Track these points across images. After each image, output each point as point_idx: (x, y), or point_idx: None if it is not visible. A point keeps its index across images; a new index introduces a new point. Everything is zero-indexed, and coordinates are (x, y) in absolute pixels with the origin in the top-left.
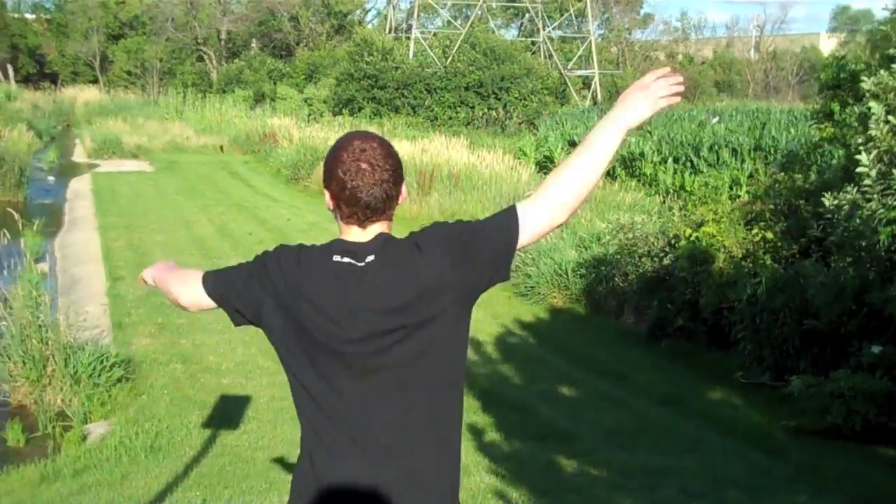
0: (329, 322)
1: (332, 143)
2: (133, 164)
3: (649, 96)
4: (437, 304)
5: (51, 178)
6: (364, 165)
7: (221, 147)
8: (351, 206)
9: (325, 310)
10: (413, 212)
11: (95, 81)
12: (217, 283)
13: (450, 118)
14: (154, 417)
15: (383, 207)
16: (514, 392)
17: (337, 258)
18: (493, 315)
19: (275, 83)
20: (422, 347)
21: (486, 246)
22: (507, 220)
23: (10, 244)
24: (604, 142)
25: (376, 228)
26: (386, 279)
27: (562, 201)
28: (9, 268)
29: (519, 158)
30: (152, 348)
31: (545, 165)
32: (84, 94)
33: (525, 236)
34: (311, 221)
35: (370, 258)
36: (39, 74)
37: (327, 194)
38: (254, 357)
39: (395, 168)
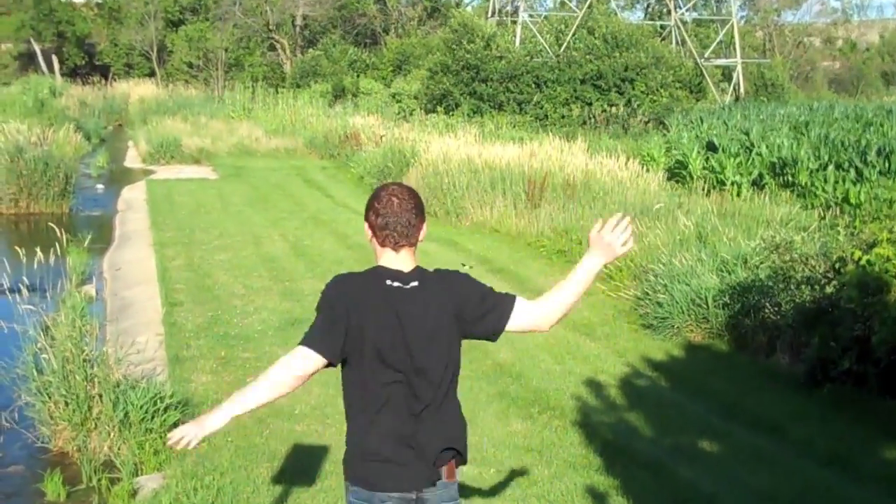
0: (388, 330)
1: (424, 144)
2: (194, 170)
3: (607, 255)
4: (444, 331)
5: (100, 187)
6: (395, 199)
7: (296, 150)
8: (383, 231)
9: (389, 320)
10: (519, 227)
11: (152, 75)
12: (327, 344)
13: (563, 116)
14: (216, 470)
15: (408, 233)
16: (643, 446)
17: (388, 282)
18: (616, 351)
19: (358, 76)
20: (433, 361)
21: (479, 319)
22: (505, 308)
23: (53, 264)
24: (575, 288)
25: (405, 254)
26: (423, 302)
27: (549, 316)
28: (51, 291)
29: (646, 164)
30: (214, 387)
31: (677, 173)
32: (139, 90)
33: (511, 325)
34: None
35: (414, 283)
36: (88, 66)
37: (366, 225)
38: (332, 399)
39: (417, 204)
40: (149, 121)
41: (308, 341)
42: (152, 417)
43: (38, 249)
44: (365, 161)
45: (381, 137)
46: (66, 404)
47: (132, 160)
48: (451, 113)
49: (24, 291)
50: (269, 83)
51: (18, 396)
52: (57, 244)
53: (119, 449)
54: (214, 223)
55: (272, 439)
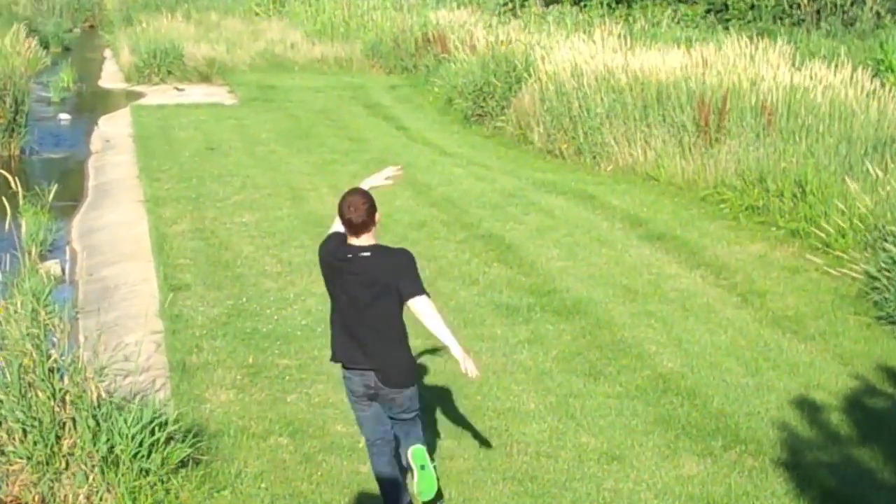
0: (347, 275)
1: (543, 51)
2: (202, 91)
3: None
4: (387, 283)
5: (64, 117)
6: (351, 206)
7: (351, 62)
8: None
9: (341, 271)
10: (687, 173)
11: None
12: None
13: (751, 7)
14: None
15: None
16: (885, 499)
17: (360, 254)
18: (837, 356)
19: None
20: (380, 297)
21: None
22: (412, 290)
23: (1, 229)
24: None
25: (366, 238)
26: (377, 263)
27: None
28: None
29: (882, 76)
30: (239, 409)
31: None
32: None
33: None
34: (508, 188)
35: (366, 253)
36: None
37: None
38: None
39: (370, 207)
40: (135, 20)
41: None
42: (149, 454)
43: None
44: (454, 76)
45: (480, 43)
46: (25, 433)
47: (111, 78)
48: (582, 4)
49: None
50: None
51: None
52: (5, 201)
53: (102, 499)
54: (233, 170)
55: (325, 485)
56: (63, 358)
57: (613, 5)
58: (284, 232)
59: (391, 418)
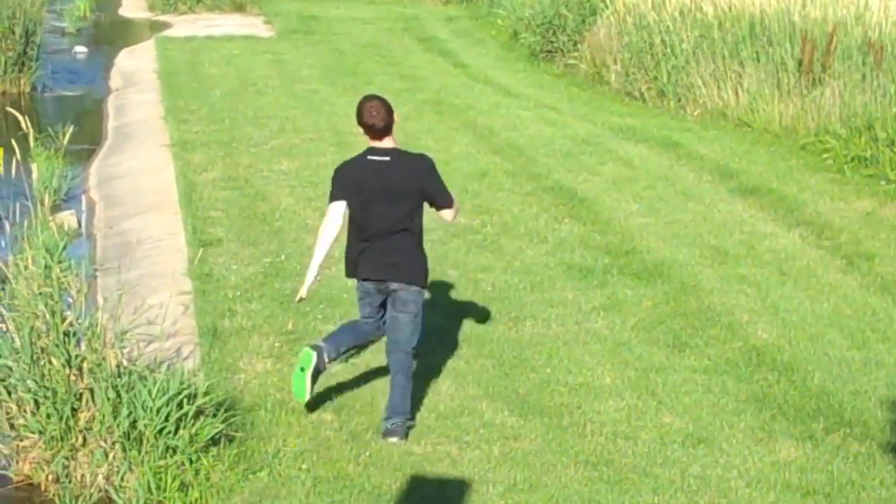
0: (366, 187)
1: None
2: (235, 21)
3: None
4: (417, 187)
5: (80, 50)
6: (373, 111)
7: None
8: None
9: (366, 179)
10: (785, 118)
11: None
12: (338, 193)
13: None
14: None
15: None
16: None
17: (371, 158)
18: None
19: None
20: (406, 207)
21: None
22: (441, 202)
23: (9, 175)
24: None
25: (388, 141)
26: (397, 169)
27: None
28: (9, 220)
29: None
30: (277, 380)
31: None
32: None
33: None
34: (581, 134)
35: (385, 158)
36: None
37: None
38: (475, 402)
39: (389, 109)
40: None
41: (333, 201)
42: (176, 429)
43: None
44: (520, 6)
45: None
46: (37, 405)
47: (133, 6)
48: None
49: None
50: None
51: None
52: (14, 144)
53: (123, 479)
54: (270, 110)
55: (374, 468)
56: (79, 321)
57: None
58: (328, 181)
59: (392, 315)
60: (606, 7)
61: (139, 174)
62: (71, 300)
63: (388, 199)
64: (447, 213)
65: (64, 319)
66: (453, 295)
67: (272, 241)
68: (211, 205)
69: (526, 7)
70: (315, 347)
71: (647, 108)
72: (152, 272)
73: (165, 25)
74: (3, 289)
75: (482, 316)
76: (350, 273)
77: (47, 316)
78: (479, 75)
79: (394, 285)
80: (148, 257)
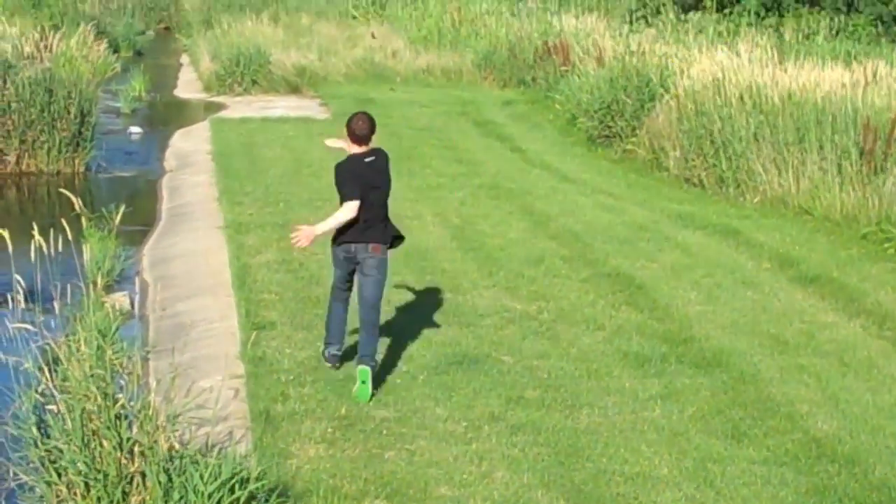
0: (368, 179)
1: (680, 63)
2: (291, 103)
3: None
4: (387, 177)
5: (135, 131)
6: (361, 122)
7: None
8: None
9: (366, 175)
10: (846, 206)
11: None
12: (357, 190)
13: None
14: None
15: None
16: None
17: (366, 160)
18: None
19: None
20: (385, 190)
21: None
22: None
23: (61, 256)
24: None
25: (366, 147)
26: (379, 167)
27: None
28: (59, 301)
29: None
30: (330, 465)
31: None
32: None
33: None
34: (639, 220)
35: (373, 157)
36: None
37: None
38: (530, 491)
39: (372, 123)
40: (215, 22)
41: (353, 197)
42: None
43: (35, 233)
44: (578, 91)
45: (608, 53)
46: (87, 488)
47: (188, 87)
48: (726, 11)
49: (18, 301)
50: None
51: (8, 473)
52: (67, 224)
53: None
54: (325, 194)
55: None
56: (131, 403)
57: (762, 13)
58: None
59: (361, 276)
60: (665, 92)
61: (193, 256)
62: (123, 382)
63: (381, 187)
64: None
65: (116, 402)
66: (508, 381)
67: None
68: (264, 287)
69: (584, 92)
70: (364, 362)
71: (706, 194)
72: (205, 355)
73: (221, 107)
74: (56, 370)
75: (538, 403)
76: (342, 241)
77: (99, 398)
78: (536, 160)
79: (363, 254)
80: (201, 340)
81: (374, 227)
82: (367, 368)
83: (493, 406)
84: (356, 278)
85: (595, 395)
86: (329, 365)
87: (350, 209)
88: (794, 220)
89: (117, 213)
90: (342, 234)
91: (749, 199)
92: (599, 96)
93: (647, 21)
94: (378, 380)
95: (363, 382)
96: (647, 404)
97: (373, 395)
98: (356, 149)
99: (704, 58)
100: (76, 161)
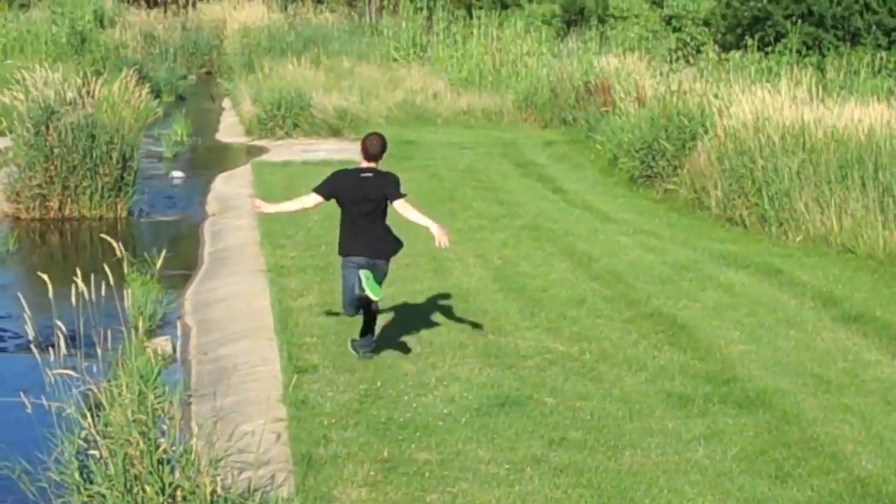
0: (356, 193)
1: (721, 103)
2: (332, 147)
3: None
4: (383, 193)
5: (177, 175)
6: (375, 141)
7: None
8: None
9: (358, 189)
10: (892, 245)
11: None
12: (326, 191)
13: None
14: None
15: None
16: None
17: (362, 174)
18: None
19: None
20: (379, 206)
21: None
22: (394, 195)
23: (104, 301)
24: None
25: (373, 164)
26: (375, 182)
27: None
28: (102, 346)
29: None
30: None
31: None
32: (240, 14)
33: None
34: (681, 260)
35: (370, 174)
36: None
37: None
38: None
39: (383, 143)
40: (257, 66)
41: (318, 189)
42: None
43: (78, 278)
44: (619, 131)
45: (648, 93)
46: None
47: (230, 131)
48: (767, 50)
49: (60, 346)
50: (457, 2)
51: None
52: (109, 269)
53: None
54: None
55: None
56: (173, 448)
57: (803, 51)
58: (425, 307)
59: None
60: (706, 132)
61: (235, 300)
62: (165, 427)
63: (368, 198)
64: (398, 204)
65: (158, 446)
66: (551, 423)
67: (367, 368)
68: (306, 331)
69: (625, 132)
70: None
71: (748, 233)
72: (247, 399)
73: (262, 150)
74: (98, 415)
75: (580, 445)
76: (344, 252)
77: (141, 443)
78: (577, 200)
79: (374, 261)
80: (243, 383)
81: (374, 239)
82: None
83: (535, 448)
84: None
85: (638, 436)
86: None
87: (309, 199)
88: (837, 258)
89: (158, 258)
90: (342, 243)
91: (791, 238)
92: (640, 136)
93: (687, 60)
94: (420, 422)
95: (367, 278)
96: (691, 445)
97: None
98: (364, 163)
99: (746, 96)
100: (118, 206)
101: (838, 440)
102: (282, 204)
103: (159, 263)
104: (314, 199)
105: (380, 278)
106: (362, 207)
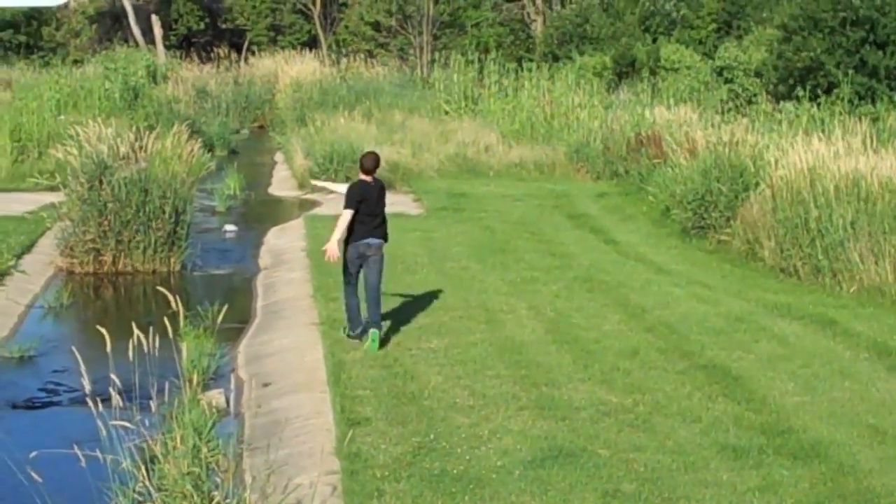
0: (370, 199)
1: (774, 153)
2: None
3: None
4: (381, 197)
5: (230, 229)
6: (371, 158)
7: (553, 166)
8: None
9: (370, 196)
10: None
11: (313, 44)
12: (355, 203)
13: None
14: None
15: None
16: None
17: (370, 183)
18: None
19: (656, 40)
20: (382, 209)
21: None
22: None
23: (158, 355)
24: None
25: (371, 176)
26: (379, 190)
27: None
28: (156, 399)
29: None
30: None
31: None
32: (292, 69)
33: None
34: (735, 311)
35: (373, 183)
36: (210, 32)
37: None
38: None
39: (378, 159)
40: (309, 120)
41: (349, 206)
42: None
43: (133, 331)
44: (672, 183)
45: (700, 144)
46: None
47: (283, 185)
48: (821, 100)
49: (115, 399)
50: (508, 54)
51: None
52: (164, 322)
53: None
54: (420, 288)
55: None
56: (227, 501)
57: (856, 101)
58: (478, 360)
59: (367, 268)
60: (760, 183)
61: (288, 353)
62: (219, 480)
63: (374, 201)
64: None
65: (212, 499)
66: (605, 475)
67: (421, 421)
68: (359, 384)
69: (677, 183)
70: (374, 325)
71: (802, 284)
72: (300, 451)
73: (314, 204)
74: (152, 468)
75: (634, 497)
76: (354, 239)
77: (195, 496)
78: (629, 252)
79: (372, 249)
80: (296, 436)
81: (377, 228)
82: (377, 331)
83: (589, 500)
84: (362, 272)
85: (692, 488)
86: (353, 335)
87: (345, 215)
88: (892, 309)
89: (218, 312)
90: (353, 235)
91: (846, 289)
92: (693, 187)
93: (739, 111)
94: (473, 474)
95: (373, 341)
96: (745, 497)
97: (380, 346)
98: (364, 177)
99: (799, 146)
100: (171, 260)
101: (894, 491)
102: (335, 234)
103: (220, 317)
104: (349, 213)
105: (378, 264)
106: (375, 206)
